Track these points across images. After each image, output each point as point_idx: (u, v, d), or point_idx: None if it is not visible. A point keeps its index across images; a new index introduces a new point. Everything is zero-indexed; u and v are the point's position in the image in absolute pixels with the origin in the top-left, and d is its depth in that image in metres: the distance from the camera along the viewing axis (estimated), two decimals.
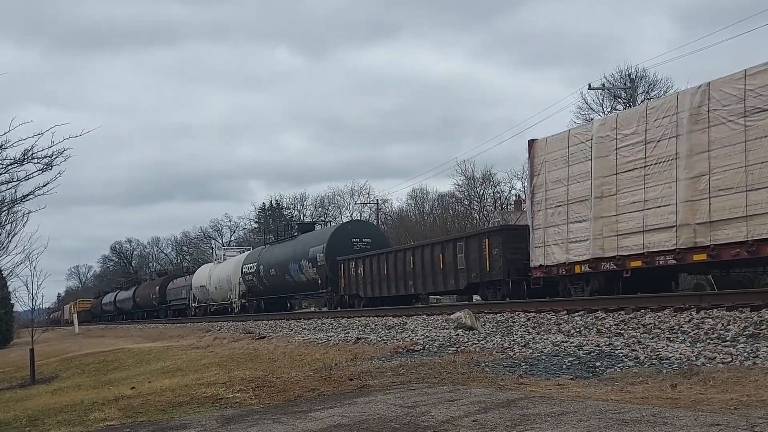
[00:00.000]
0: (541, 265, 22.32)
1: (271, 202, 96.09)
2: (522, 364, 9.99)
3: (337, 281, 35.63)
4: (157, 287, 69.59)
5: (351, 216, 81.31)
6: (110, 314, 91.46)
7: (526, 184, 24.67)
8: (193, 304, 57.54)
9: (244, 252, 56.03)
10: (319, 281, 36.92)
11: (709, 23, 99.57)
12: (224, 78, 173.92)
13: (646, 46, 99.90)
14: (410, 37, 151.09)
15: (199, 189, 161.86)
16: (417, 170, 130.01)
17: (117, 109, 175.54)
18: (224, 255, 57.83)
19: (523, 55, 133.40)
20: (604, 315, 14.64)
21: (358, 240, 36.93)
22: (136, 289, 79.42)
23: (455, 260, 26.89)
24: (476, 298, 27.49)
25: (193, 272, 63.73)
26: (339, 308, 34.68)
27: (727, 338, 10.48)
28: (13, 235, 24.75)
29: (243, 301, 47.02)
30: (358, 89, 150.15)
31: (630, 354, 9.82)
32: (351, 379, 9.95)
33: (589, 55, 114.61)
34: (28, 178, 13.00)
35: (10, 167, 12.65)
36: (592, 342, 11.22)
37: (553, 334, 13.31)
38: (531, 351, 11.11)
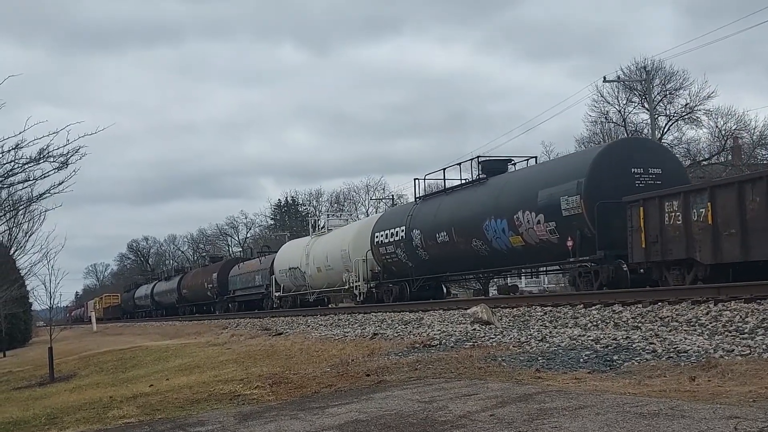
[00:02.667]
0: None
1: (286, 199, 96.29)
2: (539, 358, 9.96)
3: (610, 239, 20.45)
4: (215, 274, 57.16)
5: (367, 213, 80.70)
6: (145, 309, 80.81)
7: None
8: (276, 294, 43.73)
9: (349, 220, 44.57)
10: (568, 242, 21.71)
11: (714, 13, 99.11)
12: (228, 75, 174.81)
13: (652, 37, 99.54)
14: (413, 32, 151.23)
15: (209, 186, 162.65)
16: (425, 164, 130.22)
17: (122, 107, 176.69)
18: (326, 224, 43.35)
19: (527, 48, 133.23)
20: (621, 308, 14.58)
21: (641, 171, 21.66)
22: (182, 279, 67.61)
23: None
24: None
25: (267, 252, 52.02)
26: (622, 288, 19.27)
27: (746, 330, 10.41)
28: (31, 234, 25.04)
29: (371, 285, 32.85)
30: (362, 84, 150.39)
31: (647, 347, 9.77)
32: (368, 375, 9.95)
33: (594, 47, 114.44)
34: (44, 177, 13.06)
35: (26, 166, 12.71)
36: (610, 335, 11.17)
37: (570, 327, 13.26)
38: (548, 345, 11.07)
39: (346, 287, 34.28)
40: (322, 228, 42.00)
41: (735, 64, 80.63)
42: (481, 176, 27.05)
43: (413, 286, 29.39)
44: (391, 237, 30.78)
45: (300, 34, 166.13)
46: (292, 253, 42.44)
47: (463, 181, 28.89)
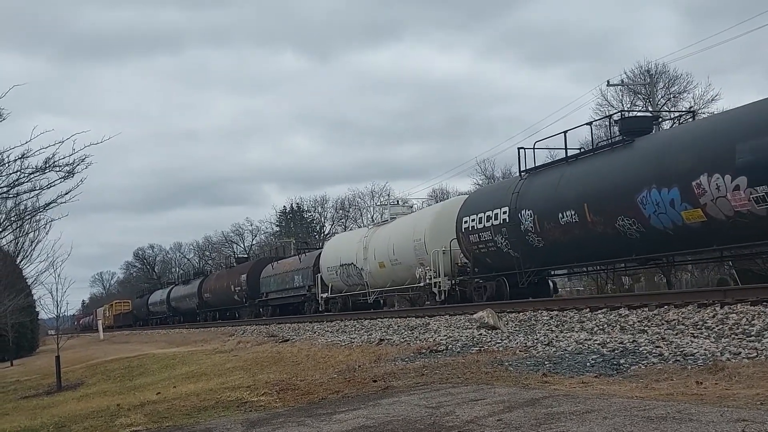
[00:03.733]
0: None
1: (291, 206, 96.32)
2: (546, 362, 9.96)
3: None
4: (243, 276, 51.60)
5: (372, 219, 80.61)
6: (160, 316, 76.00)
7: None
8: (323, 296, 38.20)
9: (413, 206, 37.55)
10: None
11: (715, 15, 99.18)
12: (228, 82, 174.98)
13: (653, 40, 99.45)
14: (413, 38, 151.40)
15: (212, 193, 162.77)
16: (428, 170, 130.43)
17: (123, 115, 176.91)
18: (388, 213, 35.58)
19: (528, 52, 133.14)
20: (627, 312, 14.56)
21: None
22: (204, 282, 62.30)
23: None
24: None
25: (308, 249, 47.27)
26: None
27: (752, 333, 10.40)
28: (37, 243, 25.07)
29: (454, 281, 27.28)
30: (363, 90, 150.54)
31: (654, 351, 9.77)
32: (375, 381, 9.96)
33: (595, 51, 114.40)
34: (50, 187, 13.11)
35: (32, 176, 12.75)
36: (616, 339, 11.17)
37: (577, 332, 13.26)
38: (554, 349, 11.08)
39: (421, 284, 28.47)
40: (387, 218, 34.96)
41: (737, 66, 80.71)
42: (624, 138, 20.40)
43: (521, 280, 23.20)
44: (487, 221, 24.42)
45: (300, 41, 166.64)
46: (343, 248, 36.73)
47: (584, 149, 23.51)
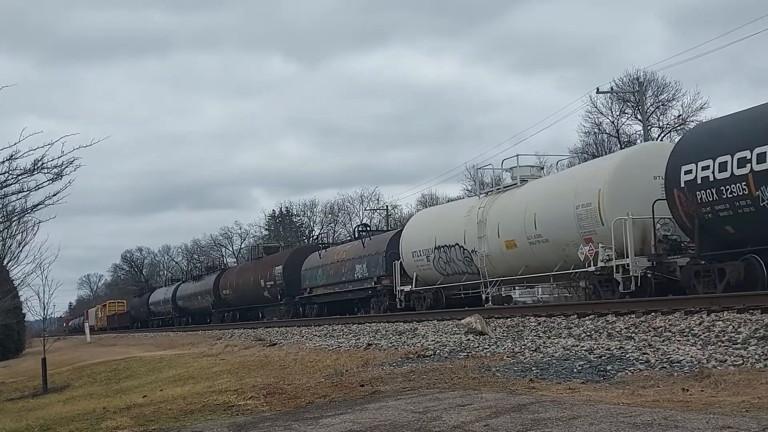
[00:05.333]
0: None
1: (281, 210, 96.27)
2: (533, 368, 9.98)
3: None
4: (278, 268, 42.91)
5: (361, 221, 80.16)
6: (163, 317, 68.65)
7: None
8: (403, 289, 29.57)
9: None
10: None
11: (700, 25, 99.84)
12: (217, 86, 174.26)
13: (639, 49, 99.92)
14: (401, 44, 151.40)
15: (201, 197, 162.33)
16: (417, 175, 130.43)
17: (111, 118, 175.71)
18: (513, 174, 25.64)
19: (516, 60, 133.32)
20: (614, 318, 14.60)
21: None
22: (221, 277, 54.02)
23: None
24: None
25: (372, 232, 38.28)
26: None
27: (738, 341, 10.45)
28: (24, 245, 24.94)
29: (653, 262, 19.01)
30: (352, 95, 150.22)
31: (641, 357, 9.81)
32: (362, 385, 9.96)
33: (582, 59, 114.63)
34: (39, 188, 13.06)
35: (20, 177, 12.71)
36: (603, 345, 11.20)
37: (564, 338, 13.29)
38: (542, 355, 11.10)
39: (592, 269, 20.03)
40: (511, 179, 25.64)
41: (721, 76, 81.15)
42: None
43: None
44: (740, 167, 15.98)
45: (288, 46, 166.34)
46: (440, 225, 28.23)
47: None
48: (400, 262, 29.89)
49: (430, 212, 34.18)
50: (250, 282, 47.37)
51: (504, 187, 25.96)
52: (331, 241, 51.72)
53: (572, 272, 21.43)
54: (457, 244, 26.57)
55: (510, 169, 26.04)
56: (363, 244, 34.92)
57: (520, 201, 23.84)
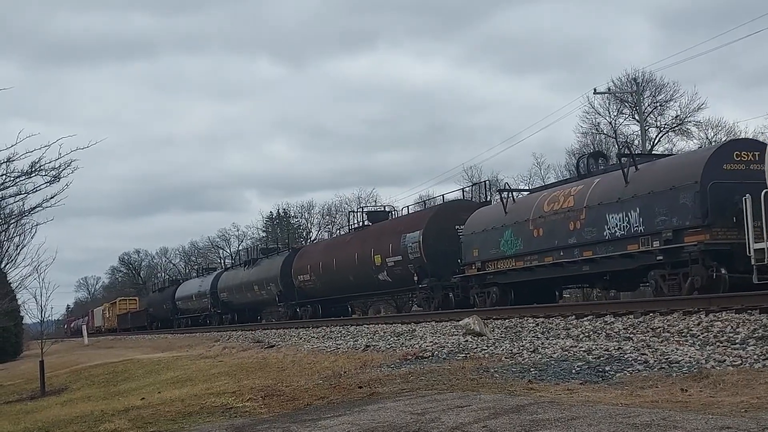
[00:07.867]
0: None
1: (278, 212, 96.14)
2: (531, 369, 9.97)
3: None
4: (412, 237, 28.95)
5: (357, 223, 79.92)
6: (197, 314, 55.52)
7: None
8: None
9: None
10: None
11: (688, 27, 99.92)
12: (204, 88, 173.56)
13: (629, 49, 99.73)
14: (389, 46, 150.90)
15: (193, 199, 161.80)
16: (409, 177, 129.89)
17: (99, 121, 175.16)
18: None
19: (504, 61, 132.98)
20: (612, 319, 14.60)
21: None
22: (297, 257, 40.25)
23: None
24: None
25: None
26: None
27: (737, 341, 10.45)
28: (22, 248, 24.89)
29: None
30: (341, 98, 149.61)
31: (639, 358, 9.80)
32: (360, 387, 9.94)
33: (571, 60, 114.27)
34: (36, 191, 13.05)
35: (17, 180, 12.70)
36: (602, 346, 11.19)
37: (562, 339, 13.28)
38: (540, 356, 11.09)
39: None
40: None
41: (710, 76, 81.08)
42: None
43: None
44: None
45: (275, 48, 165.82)
46: None
47: None
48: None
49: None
50: (354, 261, 33.19)
51: None
52: None
53: None
54: None
55: None
56: (626, 177, 19.55)
57: None
